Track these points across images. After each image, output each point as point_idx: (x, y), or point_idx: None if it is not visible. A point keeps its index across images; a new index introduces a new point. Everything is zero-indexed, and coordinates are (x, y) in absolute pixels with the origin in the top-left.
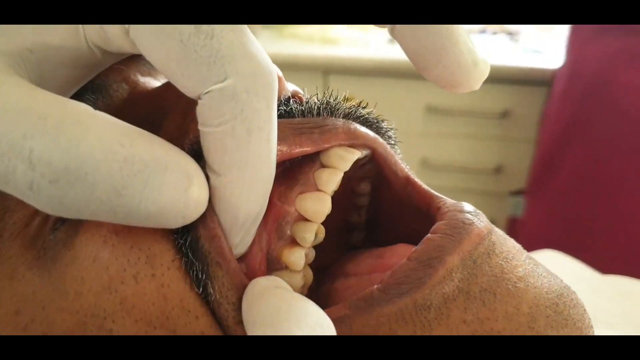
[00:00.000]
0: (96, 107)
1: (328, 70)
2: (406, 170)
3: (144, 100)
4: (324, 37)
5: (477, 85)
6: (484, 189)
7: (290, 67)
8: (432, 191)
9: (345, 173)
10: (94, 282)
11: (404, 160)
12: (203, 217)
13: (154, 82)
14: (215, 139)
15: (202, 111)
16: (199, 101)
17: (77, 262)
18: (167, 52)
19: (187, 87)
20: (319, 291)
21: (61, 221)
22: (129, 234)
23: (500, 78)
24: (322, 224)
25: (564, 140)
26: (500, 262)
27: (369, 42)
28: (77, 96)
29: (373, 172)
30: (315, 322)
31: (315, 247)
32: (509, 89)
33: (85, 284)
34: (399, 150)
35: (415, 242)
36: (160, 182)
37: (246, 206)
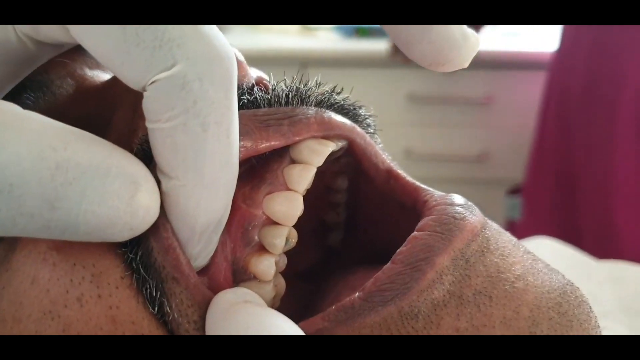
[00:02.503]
0: (37, 107)
1: (305, 62)
2: (388, 161)
3: (91, 96)
4: (300, 29)
5: (467, 62)
6: (469, 177)
7: (265, 60)
8: (418, 183)
9: (318, 168)
10: (34, 307)
11: (386, 151)
12: (155, 227)
13: (104, 76)
14: (165, 137)
15: (148, 105)
16: (144, 94)
17: (14, 284)
18: (104, 36)
19: (128, 77)
20: (317, 305)
21: None
22: (71, 249)
23: (482, 63)
24: (295, 225)
25: (563, 135)
26: (495, 259)
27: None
28: (14, 96)
29: (350, 165)
30: None
31: (288, 251)
32: (491, 74)
33: (24, 310)
34: (379, 140)
35: (400, 244)
36: (101, 191)
37: (205, 213)
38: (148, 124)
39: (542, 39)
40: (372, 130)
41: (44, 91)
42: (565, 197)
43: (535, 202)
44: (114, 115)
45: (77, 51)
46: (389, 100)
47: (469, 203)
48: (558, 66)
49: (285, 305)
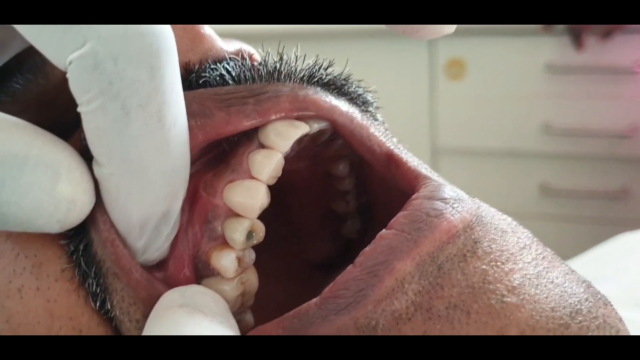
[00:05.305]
0: (28, 90)
1: None
2: (388, 144)
3: None
4: None
5: (446, 28)
6: (615, 154)
7: (392, 35)
8: (420, 170)
9: (308, 152)
10: None
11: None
12: (94, 219)
13: None
14: (88, 121)
15: (70, 87)
16: (67, 75)
17: None
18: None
19: (49, 57)
20: None
21: None
22: (17, 239)
23: (630, 26)
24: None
25: None
26: (483, 267)
27: None
28: (3, 79)
29: (349, 149)
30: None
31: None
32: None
33: None
34: (380, 118)
35: None
36: (20, 181)
37: (140, 204)
38: (78, 108)
39: None
40: (371, 109)
41: (36, 73)
42: None
43: None
44: None
45: None
46: (525, 70)
47: (459, 197)
48: None
49: (300, 299)
